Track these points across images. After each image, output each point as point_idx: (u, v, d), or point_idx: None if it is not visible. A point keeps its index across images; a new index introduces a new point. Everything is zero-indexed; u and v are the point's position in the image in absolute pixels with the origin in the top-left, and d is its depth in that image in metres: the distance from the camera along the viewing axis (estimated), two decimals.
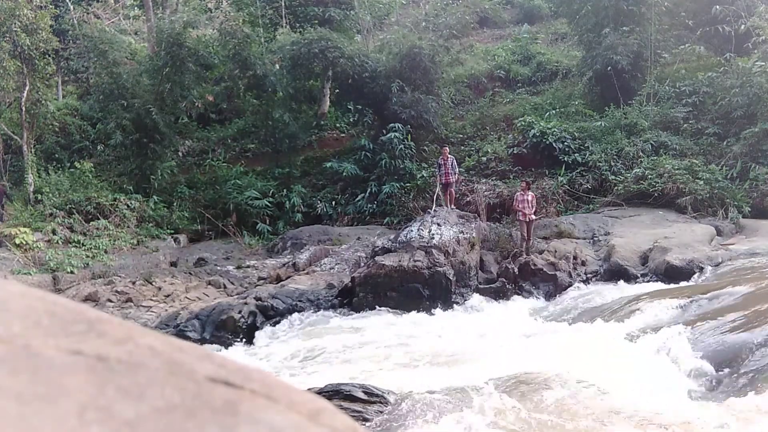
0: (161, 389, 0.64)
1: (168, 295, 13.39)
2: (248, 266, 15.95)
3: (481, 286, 12.90)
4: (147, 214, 18.96)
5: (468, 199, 18.27)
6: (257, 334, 11.56)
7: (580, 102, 22.34)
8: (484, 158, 20.64)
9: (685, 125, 19.47)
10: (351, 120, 23.43)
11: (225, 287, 14.40)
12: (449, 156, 15.93)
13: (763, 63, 18.51)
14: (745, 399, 6.01)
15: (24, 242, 15.49)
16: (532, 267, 13.21)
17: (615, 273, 13.26)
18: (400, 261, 12.30)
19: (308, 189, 21.17)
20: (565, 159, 19.17)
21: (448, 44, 22.17)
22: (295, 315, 12.13)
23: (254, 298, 12.54)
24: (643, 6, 21.42)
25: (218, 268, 15.91)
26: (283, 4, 24.74)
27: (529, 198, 14.09)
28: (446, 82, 22.87)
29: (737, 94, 18.81)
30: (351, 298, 12.44)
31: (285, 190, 20.80)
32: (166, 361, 0.69)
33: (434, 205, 15.49)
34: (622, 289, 11.86)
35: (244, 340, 11.46)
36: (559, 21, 29.46)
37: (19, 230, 15.80)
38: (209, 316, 11.90)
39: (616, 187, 17.97)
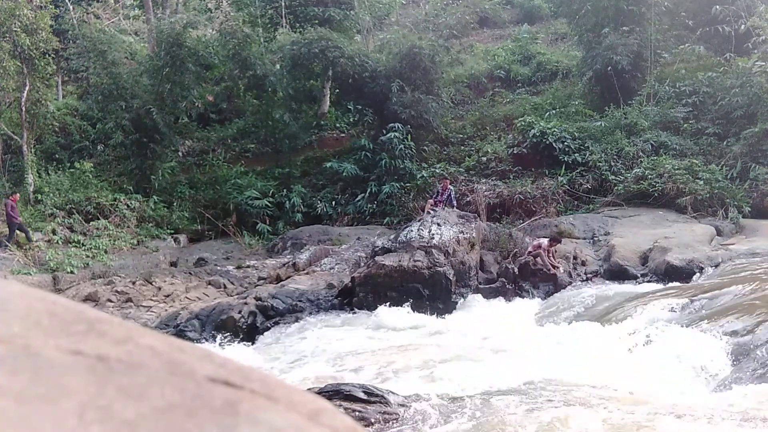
0: (161, 389, 0.64)
1: (168, 295, 13.38)
2: (248, 266, 15.95)
3: (481, 286, 12.89)
4: (147, 214, 18.97)
5: (468, 199, 18.28)
6: (257, 334, 11.56)
7: (580, 102, 22.35)
8: (484, 158, 20.64)
9: (685, 125, 19.47)
10: (351, 120, 23.44)
11: (225, 287, 14.40)
12: (449, 188, 15.98)
13: (763, 63, 18.51)
14: (753, 396, 6.01)
15: (24, 242, 15.49)
16: (532, 267, 13.20)
17: (615, 273, 13.26)
18: (400, 261, 12.30)
19: (308, 189, 21.17)
20: (565, 159, 19.17)
21: (448, 44, 22.18)
22: (295, 315, 12.13)
23: (254, 298, 12.53)
24: (643, 6, 21.42)
25: (218, 268, 15.90)
26: (283, 4, 24.74)
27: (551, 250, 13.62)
28: (446, 82, 22.87)
29: (737, 94, 18.81)
30: (351, 298, 12.43)
31: (285, 190, 20.81)
32: (166, 361, 0.69)
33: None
34: (622, 289, 11.85)
35: (244, 340, 11.46)
36: (559, 21, 29.48)
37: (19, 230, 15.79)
38: (209, 316, 11.90)
39: (616, 187, 17.98)
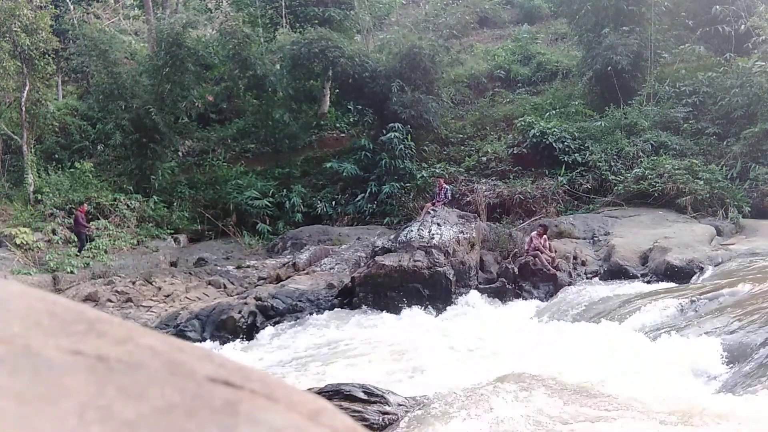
0: (161, 389, 0.64)
1: (168, 295, 13.39)
2: (248, 266, 15.96)
3: (481, 286, 12.89)
4: (147, 214, 18.97)
5: (468, 199, 18.29)
6: (257, 334, 11.57)
7: (580, 102, 22.35)
8: (484, 158, 20.64)
9: (685, 125, 19.48)
10: (351, 120, 23.44)
11: (225, 287, 14.40)
12: (445, 186, 16.51)
13: (763, 63, 18.51)
14: (753, 396, 6.00)
15: (24, 242, 15.49)
16: (532, 267, 13.20)
17: (615, 273, 13.25)
18: (400, 261, 12.30)
19: (308, 189, 21.17)
20: (565, 159, 19.17)
21: (448, 44, 22.18)
22: (295, 315, 12.14)
23: (254, 298, 12.54)
24: (643, 6, 21.42)
25: (218, 268, 15.91)
26: (283, 4, 24.73)
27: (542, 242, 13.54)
28: (446, 82, 22.87)
29: (737, 94, 18.81)
30: (351, 298, 12.43)
31: (285, 190, 20.81)
32: (166, 361, 0.69)
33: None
34: (622, 289, 11.84)
35: (244, 340, 11.46)
36: (559, 21, 29.47)
37: (19, 230, 15.80)
38: (209, 316, 11.91)
39: (616, 187, 17.98)
